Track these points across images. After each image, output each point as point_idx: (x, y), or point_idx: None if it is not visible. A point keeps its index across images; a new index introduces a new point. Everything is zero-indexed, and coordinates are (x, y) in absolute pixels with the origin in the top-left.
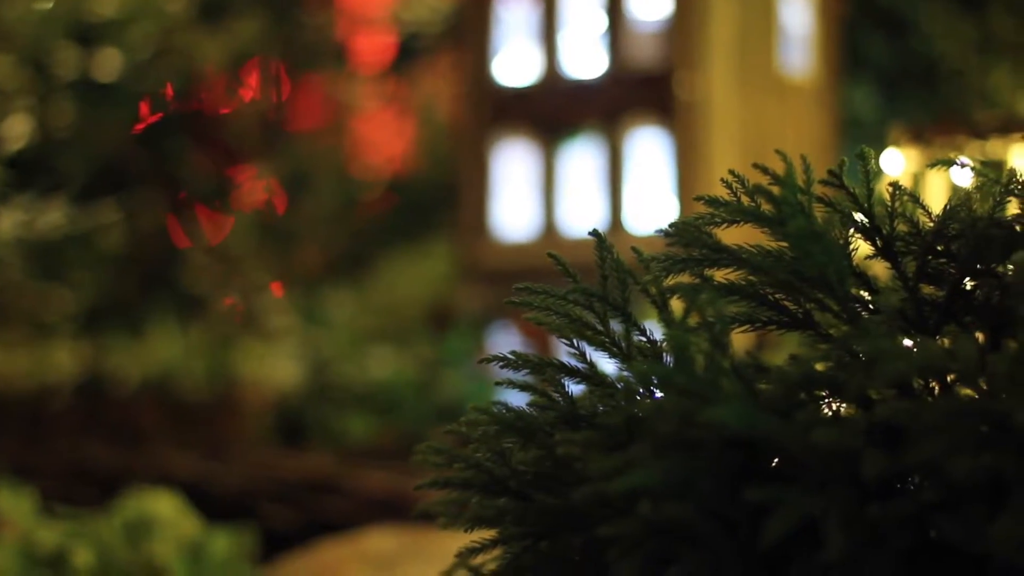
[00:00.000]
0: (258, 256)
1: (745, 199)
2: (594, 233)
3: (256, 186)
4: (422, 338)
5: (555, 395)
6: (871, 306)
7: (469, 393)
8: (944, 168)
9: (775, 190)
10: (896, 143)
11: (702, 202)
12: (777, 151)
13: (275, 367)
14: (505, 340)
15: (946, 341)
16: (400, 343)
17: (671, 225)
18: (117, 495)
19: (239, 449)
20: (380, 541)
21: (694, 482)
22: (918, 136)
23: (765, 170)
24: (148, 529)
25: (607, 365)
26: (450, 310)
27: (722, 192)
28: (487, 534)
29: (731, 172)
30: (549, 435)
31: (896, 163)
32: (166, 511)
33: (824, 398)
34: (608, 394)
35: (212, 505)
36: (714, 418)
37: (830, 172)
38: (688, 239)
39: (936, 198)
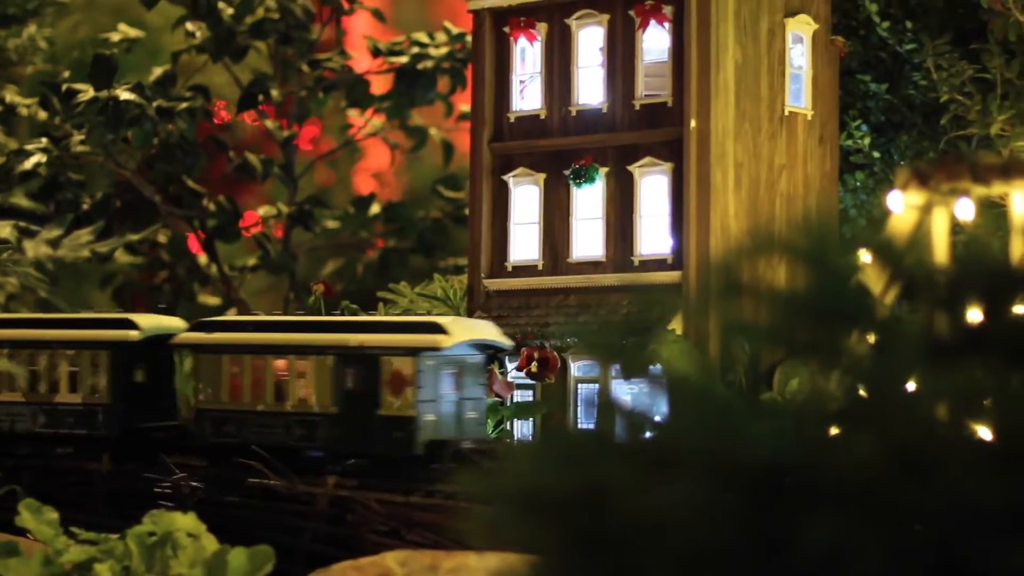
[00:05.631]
0: (266, 282)
1: (778, 237)
2: (638, 264)
3: (265, 214)
4: None
5: (592, 421)
6: (897, 341)
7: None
8: (950, 208)
9: (808, 229)
10: (902, 185)
11: (741, 240)
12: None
13: None
14: (514, 367)
15: (966, 375)
16: None
17: (711, 261)
18: (138, 513)
19: (258, 470)
20: (394, 562)
21: (729, 507)
22: (922, 178)
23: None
24: (167, 547)
25: (640, 392)
26: None
27: (727, 224)
28: (514, 555)
29: None
30: (587, 460)
31: (902, 204)
32: (184, 530)
33: (853, 428)
34: (643, 421)
35: (230, 524)
36: (751, 447)
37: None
38: (726, 274)
39: (940, 238)
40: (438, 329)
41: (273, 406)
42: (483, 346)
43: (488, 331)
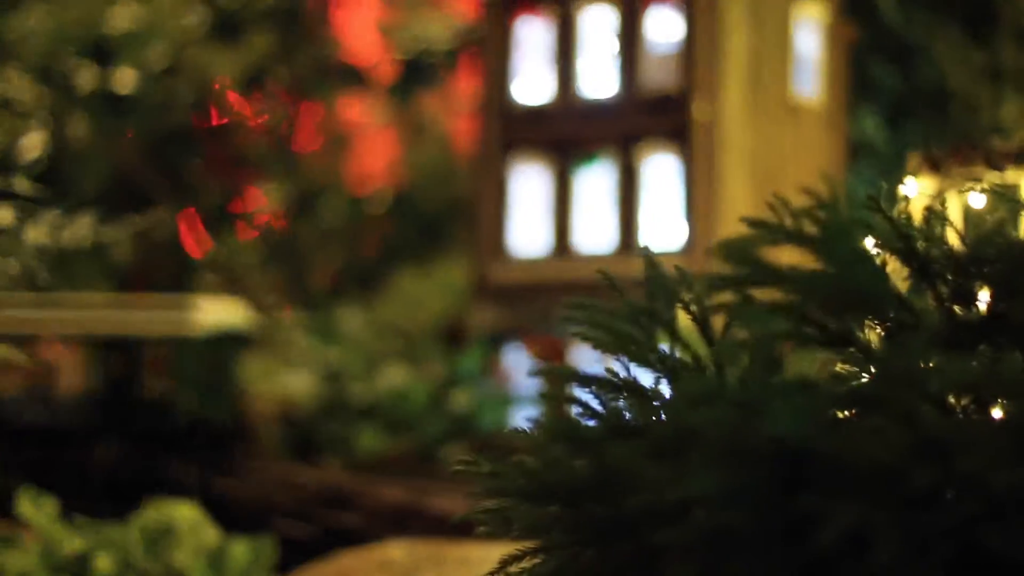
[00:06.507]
0: (267, 271)
1: (788, 221)
2: (644, 250)
3: (265, 202)
4: (434, 354)
5: (600, 407)
6: (910, 325)
7: (481, 408)
8: (963, 194)
9: (819, 214)
10: (914, 171)
11: (749, 224)
12: (789, 175)
13: (287, 382)
14: (518, 356)
15: (981, 359)
16: (412, 359)
17: (718, 244)
18: (138, 504)
19: (255, 462)
20: (397, 552)
21: (746, 491)
22: (935, 164)
23: (808, 194)
24: (168, 537)
25: (647, 378)
26: (463, 326)
27: (735, 213)
28: (517, 544)
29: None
30: (599, 445)
31: (915, 190)
32: (186, 520)
33: (869, 412)
34: (653, 406)
35: (231, 516)
36: (767, 430)
37: (869, 198)
38: (735, 258)
39: (953, 223)
40: (194, 314)
41: (40, 389)
42: (236, 329)
43: (240, 314)
